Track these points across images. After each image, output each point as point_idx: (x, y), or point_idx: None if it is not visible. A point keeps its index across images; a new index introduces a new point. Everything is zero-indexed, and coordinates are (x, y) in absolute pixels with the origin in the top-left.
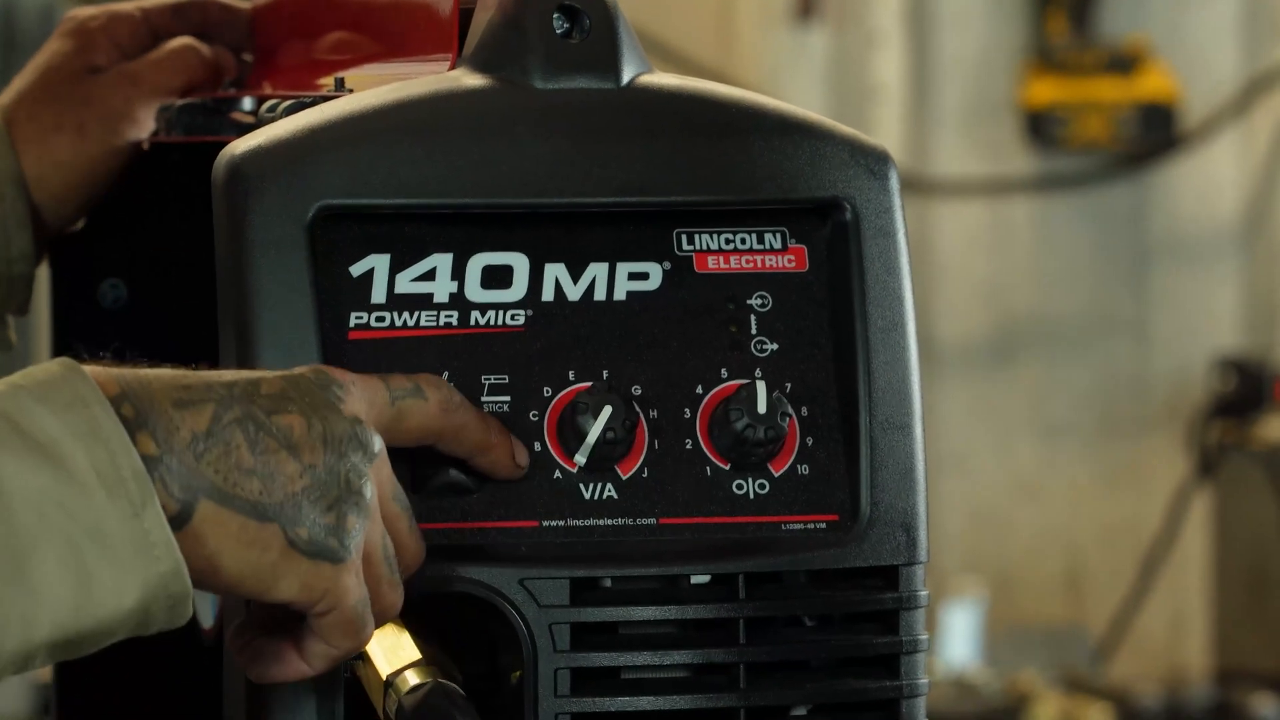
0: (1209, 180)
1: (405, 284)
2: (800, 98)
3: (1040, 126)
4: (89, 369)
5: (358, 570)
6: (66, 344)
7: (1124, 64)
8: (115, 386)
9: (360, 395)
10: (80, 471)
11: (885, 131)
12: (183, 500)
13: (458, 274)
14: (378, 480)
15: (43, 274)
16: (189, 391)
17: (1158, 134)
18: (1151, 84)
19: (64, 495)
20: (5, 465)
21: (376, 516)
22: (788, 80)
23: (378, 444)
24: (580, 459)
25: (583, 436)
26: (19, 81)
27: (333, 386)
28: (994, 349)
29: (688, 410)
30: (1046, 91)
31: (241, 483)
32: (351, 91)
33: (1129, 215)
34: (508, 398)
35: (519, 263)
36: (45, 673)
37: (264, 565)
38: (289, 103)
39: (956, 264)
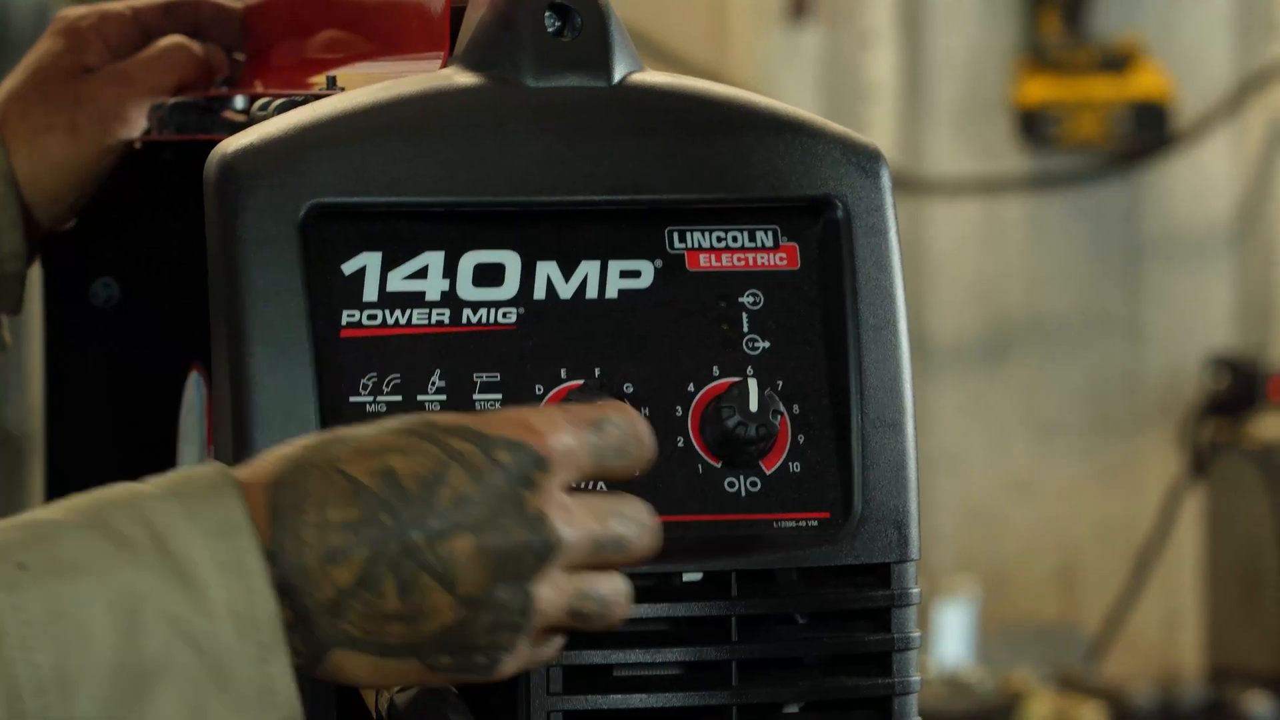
0: (1202, 179)
1: (397, 282)
2: (793, 97)
3: (1033, 125)
4: (247, 485)
5: (519, 656)
6: (58, 343)
7: (1117, 63)
8: (269, 537)
9: (560, 471)
10: (215, 604)
11: (878, 130)
12: (314, 652)
13: (449, 272)
14: (563, 555)
15: (34, 273)
16: (347, 535)
17: (1151, 133)
18: (1144, 83)
19: (195, 626)
20: (145, 583)
21: (558, 586)
22: (781, 79)
23: (561, 533)
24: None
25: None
26: (11, 81)
27: (531, 474)
28: (987, 347)
29: (679, 408)
30: (1039, 90)
31: (382, 631)
32: (343, 90)
33: (1122, 214)
34: (499, 396)
35: (511, 261)
36: None
37: (401, 680)
38: (281, 101)
39: (950, 262)
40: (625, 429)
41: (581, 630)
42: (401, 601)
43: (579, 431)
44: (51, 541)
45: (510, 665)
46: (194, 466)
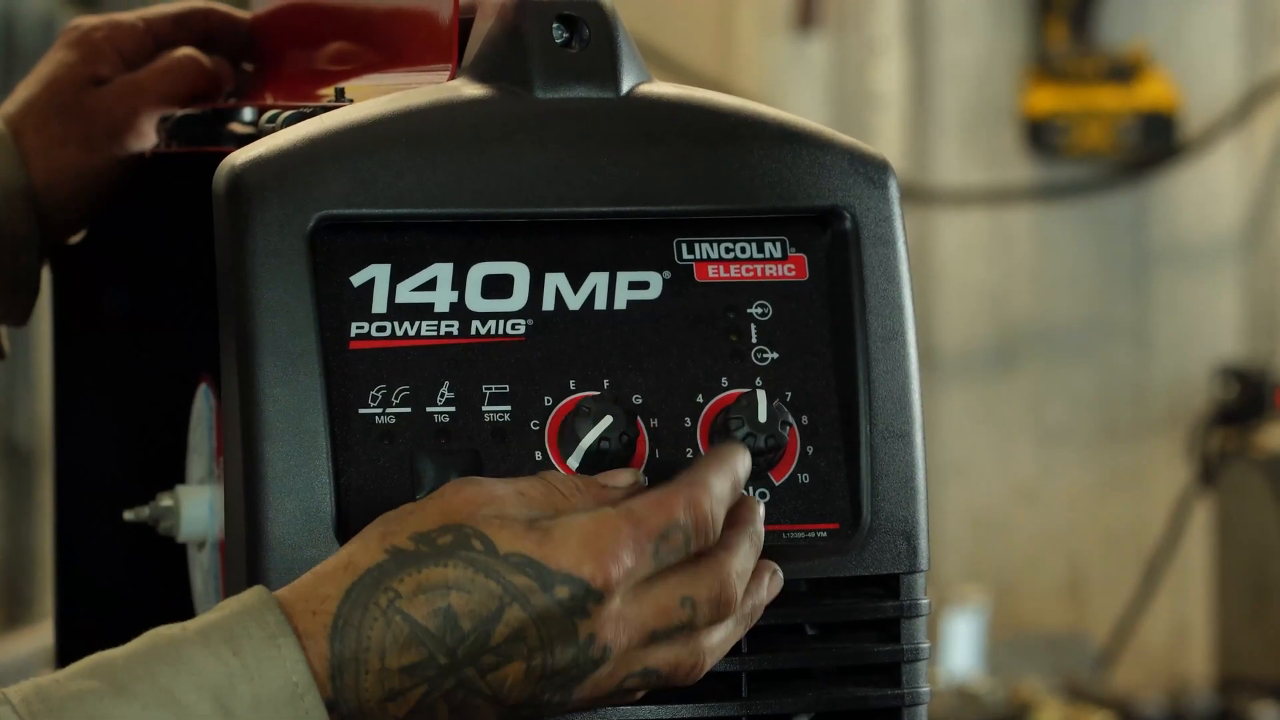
0: (1209, 188)
1: (406, 294)
2: (800, 106)
3: (1040, 135)
4: (304, 635)
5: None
6: (67, 354)
7: (1124, 72)
8: (329, 691)
9: (618, 593)
10: None
11: (885, 140)
12: None
13: (458, 283)
14: (610, 662)
15: (44, 283)
16: (405, 679)
17: (1158, 142)
18: (1152, 92)
19: None
20: None
21: (604, 680)
22: (788, 89)
23: (609, 649)
24: (574, 463)
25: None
26: (23, 91)
27: (586, 605)
28: (994, 356)
29: (688, 419)
30: (1047, 100)
31: None
32: (352, 102)
33: (1129, 223)
34: (509, 407)
35: (519, 272)
36: None
37: None
38: (289, 113)
39: (957, 272)
40: (690, 529)
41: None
42: (451, 718)
43: (643, 547)
44: None
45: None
46: (243, 600)
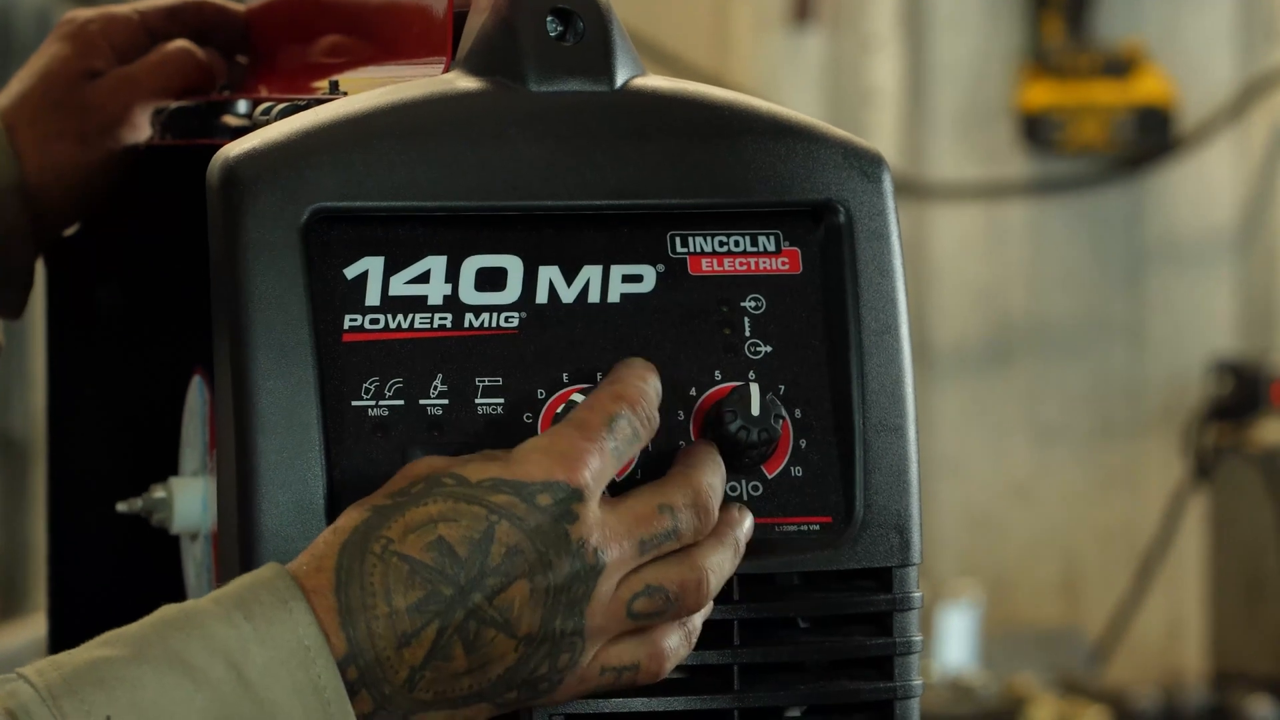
0: (1205, 184)
1: (399, 286)
2: (796, 101)
3: (1036, 130)
4: (311, 592)
5: (586, 676)
6: (62, 347)
7: (1120, 67)
8: (343, 644)
9: (595, 492)
10: None
11: (881, 135)
12: None
13: (452, 276)
14: (610, 571)
15: (38, 277)
16: (415, 617)
17: (1153, 138)
18: (1147, 88)
19: None
20: (226, 714)
21: (608, 599)
22: (783, 83)
23: (603, 554)
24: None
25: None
26: (17, 85)
27: (570, 507)
28: (989, 352)
29: (681, 412)
30: (1042, 95)
31: (452, 688)
32: (346, 94)
33: (1125, 219)
34: (502, 400)
35: (513, 265)
36: None
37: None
38: (283, 106)
39: (952, 267)
40: (631, 416)
41: (659, 621)
42: (469, 658)
43: (600, 444)
44: (131, 686)
45: (571, 689)
46: (256, 573)
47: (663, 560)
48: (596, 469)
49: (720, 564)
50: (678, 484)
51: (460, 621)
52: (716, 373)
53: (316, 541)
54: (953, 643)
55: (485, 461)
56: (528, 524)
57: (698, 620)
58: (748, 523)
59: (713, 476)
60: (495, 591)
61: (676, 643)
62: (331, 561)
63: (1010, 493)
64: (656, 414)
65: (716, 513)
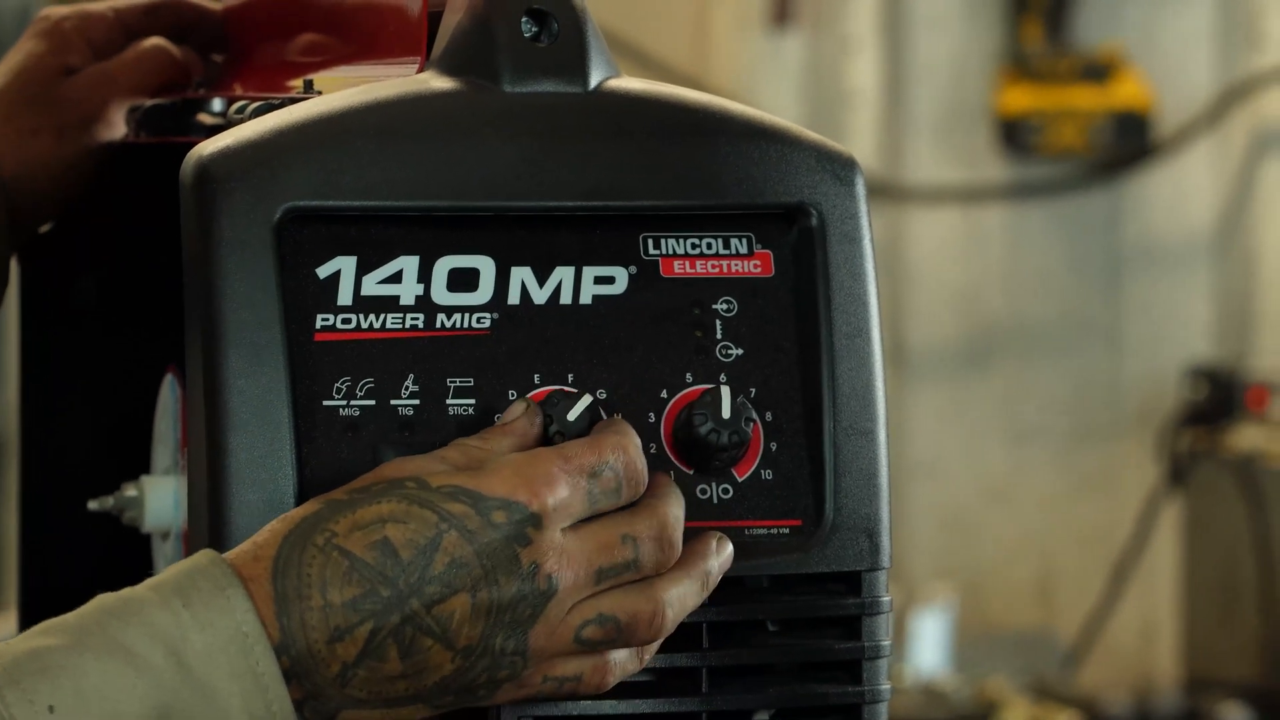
0: (1182, 189)
1: (371, 286)
2: (775, 103)
3: (1014, 134)
4: (249, 579)
5: (526, 683)
6: (36, 343)
7: (1098, 72)
8: (277, 632)
9: (556, 522)
10: (234, 711)
11: (860, 137)
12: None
13: (424, 276)
14: (560, 598)
15: (12, 273)
16: (349, 614)
17: (1132, 142)
18: (1126, 92)
19: None
20: (169, 702)
21: (557, 623)
22: (763, 85)
23: (555, 580)
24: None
25: (549, 441)
26: None
27: (524, 530)
28: (966, 355)
29: (652, 414)
30: (1021, 99)
31: (387, 689)
32: (320, 94)
33: (1102, 223)
34: (473, 400)
35: (485, 266)
36: None
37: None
38: (258, 104)
39: (930, 270)
40: (621, 472)
41: (607, 648)
42: (403, 663)
43: (576, 480)
44: (74, 675)
45: (509, 694)
46: (191, 560)
47: (620, 589)
48: (563, 499)
49: (681, 597)
50: (644, 515)
51: (395, 625)
52: (688, 375)
53: (264, 529)
54: (926, 646)
55: (453, 471)
56: (478, 538)
57: (652, 645)
58: (724, 555)
59: (678, 508)
60: (434, 601)
61: (624, 658)
62: (272, 550)
63: (986, 495)
64: (646, 479)
65: (680, 545)
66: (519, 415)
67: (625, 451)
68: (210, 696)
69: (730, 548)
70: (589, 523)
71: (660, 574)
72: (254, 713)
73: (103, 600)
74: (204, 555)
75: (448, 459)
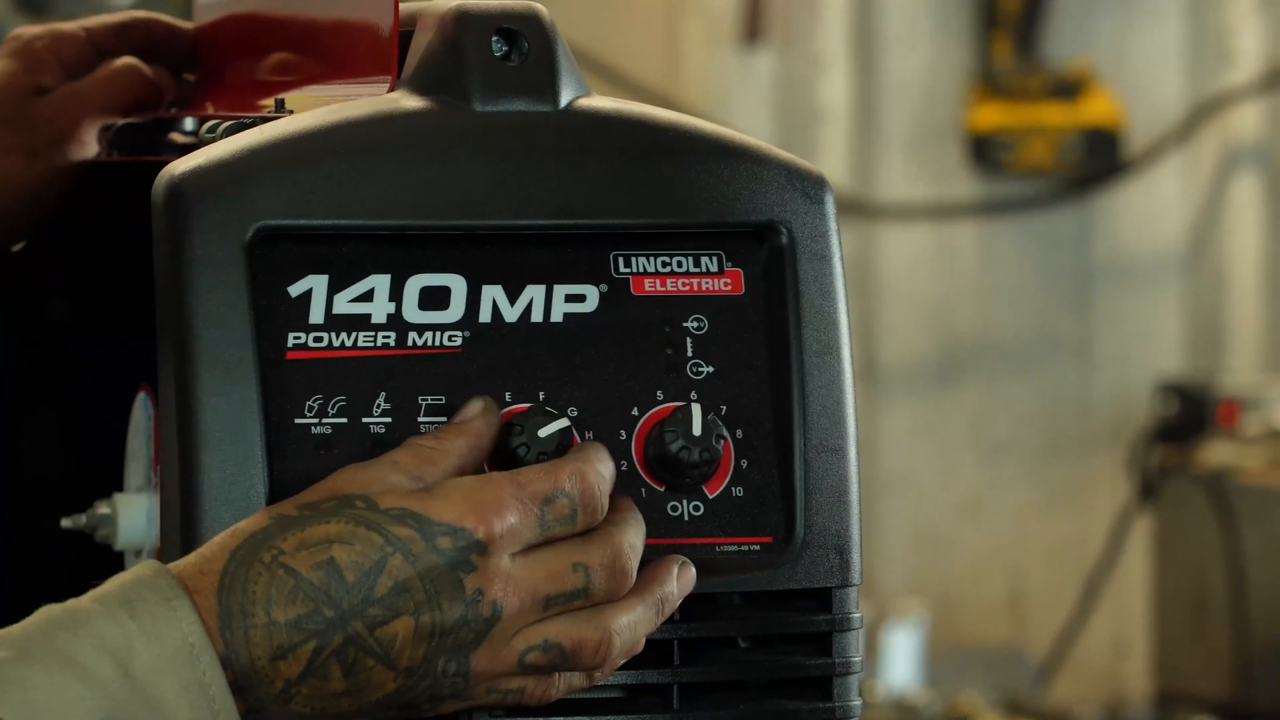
0: (1153, 205)
1: (343, 304)
2: (747, 120)
3: (985, 150)
4: (195, 592)
5: (468, 697)
6: (8, 362)
7: (1069, 89)
8: (221, 646)
9: (504, 549)
10: None
11: (831, 154)
12: None
13: (395, 295)
14: (505, 623)
15: None
16: (292, 633)
17: (1102, 159)
18: (1096, 109)
19: None
20: (117, 713)
21: (502, 648)
22: (734, 103)
23: (500, 606)
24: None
25: (519, 458)
26: None
27: (469, 557)
28: (937, 371)
29: (623, 432)
30: (991, 116)
31: (330, 705)
32: (292, 113)
33: (1073, 239)
34: (445, 418)
35: (456, 284)
36: None
37: None
38: (229, 123)
39: (901, 286)
40: (577, 499)
41: (551, 674)
42: (346, 682)
43: (527, 507)
44: (22, 687)
45: (451, 707)
46: (135, 571)
47: (568, 616)
48: (511, 526)
49: (633, 624)
50: (598, 543)
51: (338, 645)
52: (659, 393)
53: (212, 541)
54: (898, 661)
55: (403, 493)
56: (422, 562)
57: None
58: (685, 579)
59: (635, 536)
60: (377, 623)
61: (571, 674)
62: (219, 565)
63: (958, 510)
64: (604, 506)
65: (634, 573)
66: (475, 415)
67: (583, 479)
68: (157, 707)
69: (692, 572)
70: (540, 549)
71: (612, 601)
72: None
73: (48, 612)
74: (148, 566)
75: (400, 462)
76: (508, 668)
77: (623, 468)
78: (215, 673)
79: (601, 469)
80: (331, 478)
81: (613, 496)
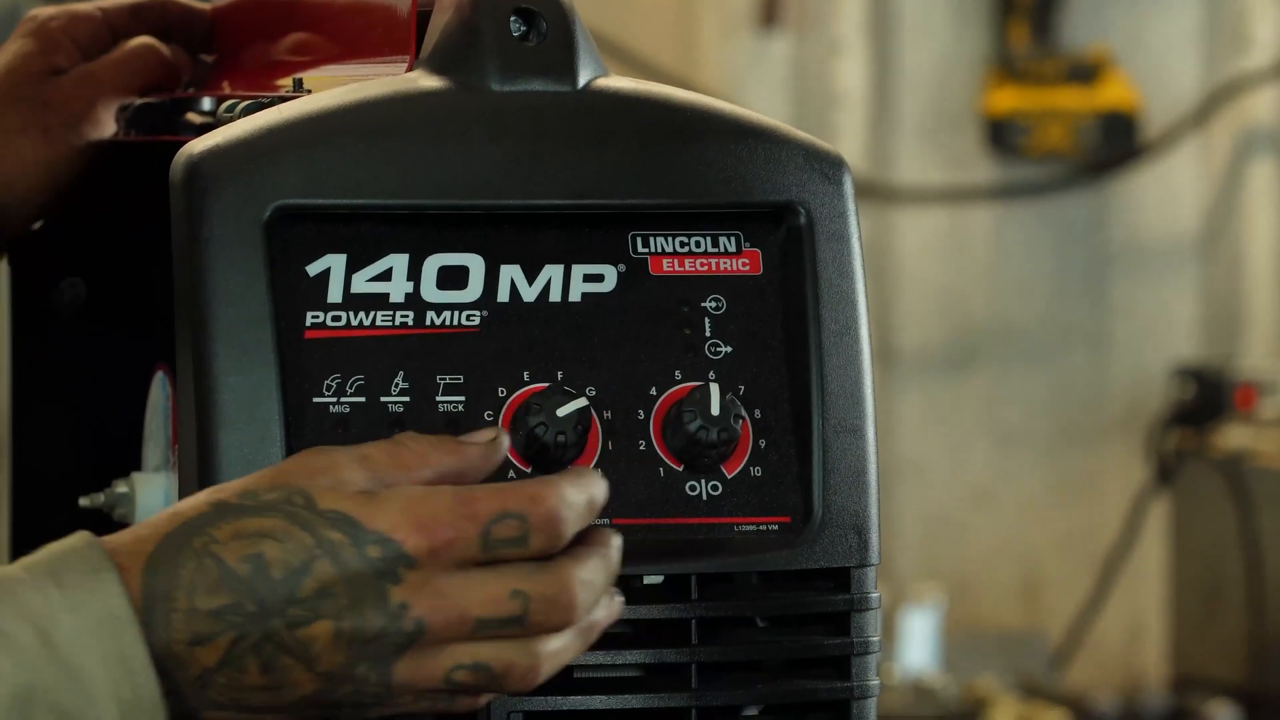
0: (1169, 190)
1: (361, 284)
2: (762, 104)
3: (1001, 135)
4: (123, 568)
5: (395, 704)
6: (24, 344)
7: (1085, 73)
8: (142, 613)
9: (436, 564)
10: (102, 696)
11: (847, 138)
12: (185, 717)
13: (414, 274)
14: (429, 639)
15: (0, 272)
16: (212, 622)
17: (1118, 143)
18: (1112, 94)
19: (85, 718)
20: (36, 681)
21: (427, 663)
22: (750, 87)
23: (424, 622)
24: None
25: (537, 438)
26: None
27: (397, 569)
28: (952, 356)
29: (641, 412)
30: (1007, 100)
31: (248, 698)
32: (310, 92)
33: (1088, 224)
34: (463, 398)
35: (475, 264)
36: None
37: None
38: (247, 103)
39: (916, 271)
40: (529, 521)
41: (475, 693)
42: (263, 677)
43: (467, 526)
44: None
45: (377, 711)
46: (66, 542)
47: (500, 640)
48: (448, 541)
49: (559, 651)
50: (546, 574)
51: (257, 641)
52: (676, 372)
53: (150, 520)
54: (914, 645)
55: (350, 494)
56: (349, 569)
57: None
58: (612, 610)
59: (593, 573)
60: (297, 623)
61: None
62: (150, 546)
63: (971, 496)
64: (567, 534)
65: (583, 609)
66: (479, 441)
67: (541, 502)
68: (77, 678)
69: (620, 602)
70: (482, 568)
71: (548, 631)
72: (121, 697)
73: None
74: (79, 537)
75: (369, 458)
76: (432, 682)
77: (641, 448)
78: (138, 647)
79: (571, 495)
80: (289, 460)
81: (595, 528)
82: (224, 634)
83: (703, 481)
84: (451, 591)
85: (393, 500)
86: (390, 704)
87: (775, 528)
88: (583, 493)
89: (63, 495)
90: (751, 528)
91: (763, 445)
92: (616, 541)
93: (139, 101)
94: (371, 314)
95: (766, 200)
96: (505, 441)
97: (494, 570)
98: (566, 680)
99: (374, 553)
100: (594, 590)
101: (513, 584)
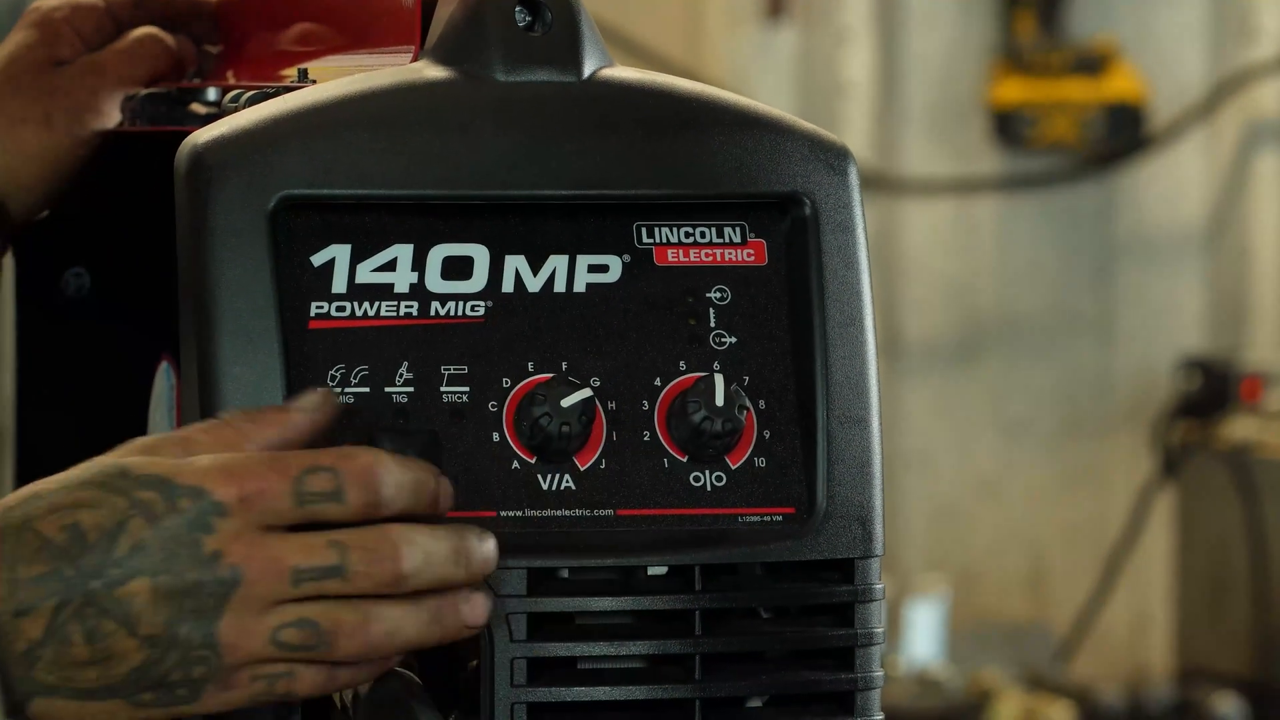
0: (1175, 181)
1: (366, 274)
2: (769, 95)
3: (1007, 126)
4: None
5: (232, 684)
6: (29, 334)
7: (1091, 65)
8: None
9: (249, 514)
10: None
11: (853, 129)
12: (16, 703)
13: (418, 265)
14: (246, 591)
15: (5, 263)
16: (33, 590)
17: (1124, 135)
18: (1119, 85)
19: None
20: None
21: (250, 621)
22: (756, 78)
23: (238, 571)
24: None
25: (542, 428)
26: None
27: (209, 519)
28: (958, 347)
29: (646, 402)
30: (1014, 91)
31: (77, 676)
32: (314, 82)
33: (1095, 215)
34: (467, 388)
35: (479, 254)
36: None
37: None
38: (252, 93)
39: (922, 262)
40: (343, 477)
41: (310, 658)
42: (89, 648)
43: (281, 476)
44: None
45: (216, 697)
46: None
47: (329, 600)
48: (257, 490)
49: (398, 618)
50: (367, 529)
51: (78, 606)
52: (681, 363)
53: None
54: (920, 636)
55: (160, 461)
56: (161, 524)
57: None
58: (474, 606)
59: (424, 536)
60: (115, 583)
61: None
62: None
63: (978, 487)
64: (386, 498)
65: (410, 573)
66: (303, 408)
67: (354, 459)
68: None
69: (482, 599)
70: (298, 526)
71: (380, 595)
72: None
73: None
74: None
75: (191, 439)
76: (261, 643)
77: (645, 438)
78: None
79: (390, 461)
80: (118, 449)
81: (466, 527)
82: (45, 601)
83: (707, 472)
84: (268, 541)
85: (204, 459)
86: (229, 681)
87: (779, 519)
88: (408, 470)
89: None
90: (756, 518)
91: (767, 436)
92: (474, 529)
93: (143, 92)
94: (376, 304)
95: (772, 191)
96: (332, 402)
97: (311, 526)
98: (570, 671)
99: (185, 504)
100: (422, 551)
101: (330, 535)
